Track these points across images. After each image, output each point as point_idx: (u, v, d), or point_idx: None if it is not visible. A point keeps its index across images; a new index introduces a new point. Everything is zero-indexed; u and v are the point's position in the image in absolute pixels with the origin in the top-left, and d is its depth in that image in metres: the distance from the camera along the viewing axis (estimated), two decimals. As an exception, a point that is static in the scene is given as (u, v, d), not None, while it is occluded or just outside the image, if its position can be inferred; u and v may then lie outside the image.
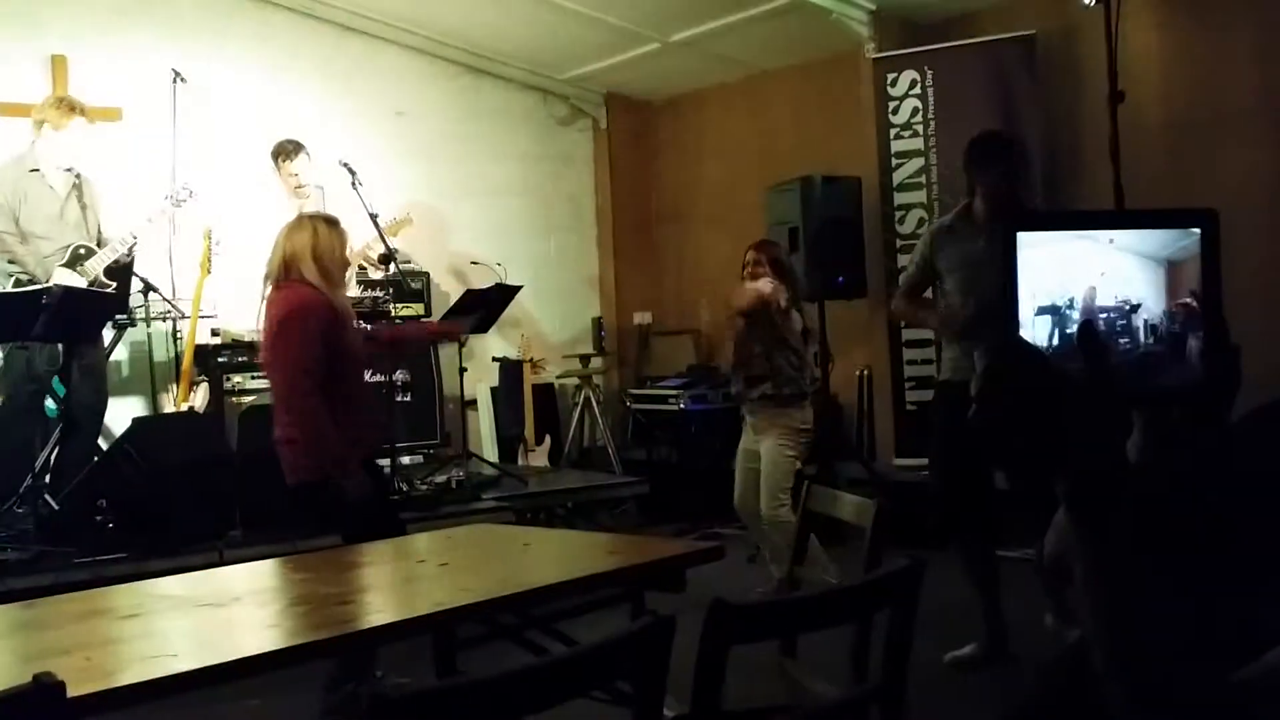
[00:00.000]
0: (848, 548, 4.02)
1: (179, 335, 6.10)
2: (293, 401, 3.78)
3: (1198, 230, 0.94)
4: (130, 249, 5.64)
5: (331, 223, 4.04)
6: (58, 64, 6.43)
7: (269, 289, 3.96)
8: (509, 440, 7.66)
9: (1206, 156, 5.79)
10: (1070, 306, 0.94)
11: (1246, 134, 5.70)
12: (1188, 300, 0.95)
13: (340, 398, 3.81)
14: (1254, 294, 5.36)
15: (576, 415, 7.99)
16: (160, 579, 3.01)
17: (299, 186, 6.23)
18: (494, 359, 7.74)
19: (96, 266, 5.50)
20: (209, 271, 6.03)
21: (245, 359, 6.40)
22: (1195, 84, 5.91)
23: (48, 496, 4.97)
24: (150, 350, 6.21)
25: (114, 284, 5.55)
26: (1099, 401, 0.91)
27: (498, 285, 6.43)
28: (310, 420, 3.74)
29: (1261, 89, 5.65)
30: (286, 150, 6.28)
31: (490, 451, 7.63)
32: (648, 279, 8.87)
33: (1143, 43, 5.85)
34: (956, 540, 4.39)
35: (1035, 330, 0.94)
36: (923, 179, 6.67)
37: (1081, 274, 0.94)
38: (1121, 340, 0.94)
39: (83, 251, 5.50)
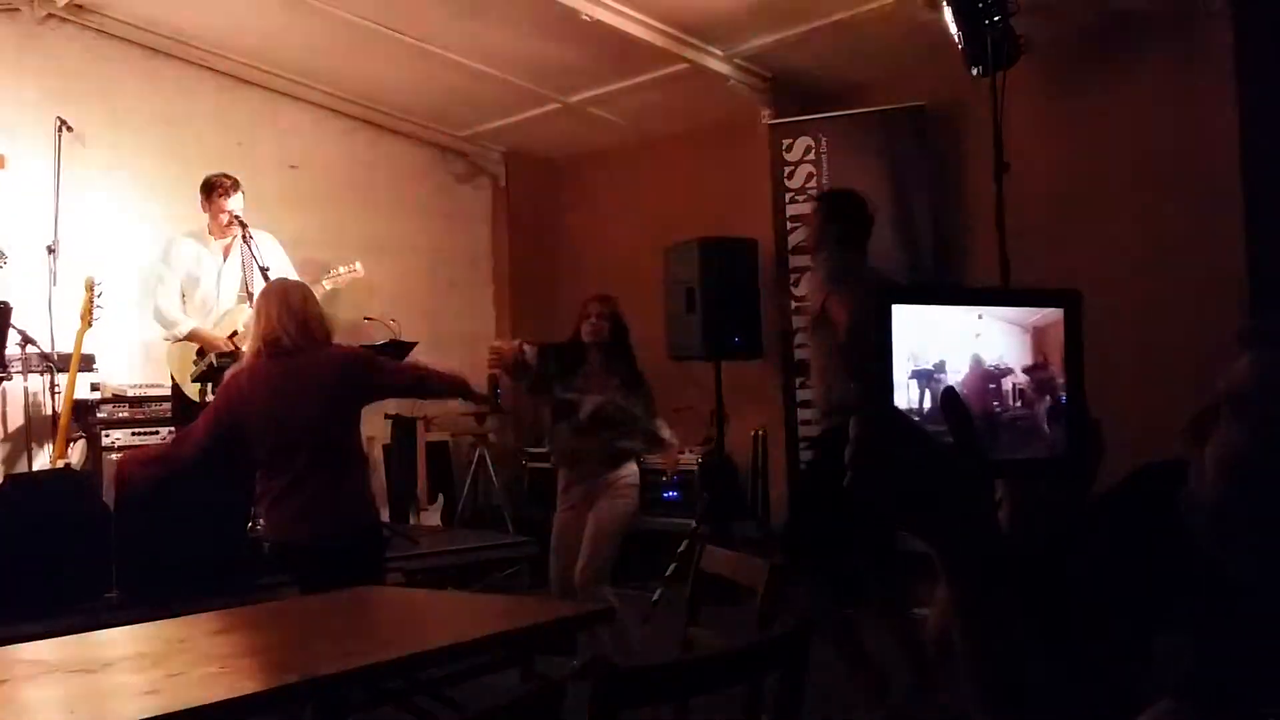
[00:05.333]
0: (741, 608, 4.03)
1: (56, 389, 5.90)
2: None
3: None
4: None
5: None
6: (-63, 109, 6.25)
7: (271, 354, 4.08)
8: (401, 499, 7.54)
9: (1088, 227, 5.99)
10: (941, 370, 0.96)
11: (1125, 207, 5.92)
12: (1043, 364, 0.98)
13: None
14: (1128, 363, 5.54)
15: (470, 474, 7.90)
16: (31, 643, 2.88)
17: (229, 224, 6.01)
18: (386, 416, 7.63)
19: None
20: (90, 324, 5.85)
21: (126, 414, 6.22)
22: (1077, 157, 6.13)
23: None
24: (26, 404, 5.99)
25: None
26: (968, 470, 0.93)
27: (392, 342, 6.36)
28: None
29: (1139, 163, 5.88)
30: (224, 185, 6.06)
31: (381, 511, 7.49)
32: (545, 337, 8.83)
33: (1027, 116, 6.05)
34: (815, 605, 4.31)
35: (908, 394, 0.96)
36: (816, 243, 6.79)
37: (953, 339, 0.97)
38: (994, 404, 0.97)
39: None
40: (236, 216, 5.93)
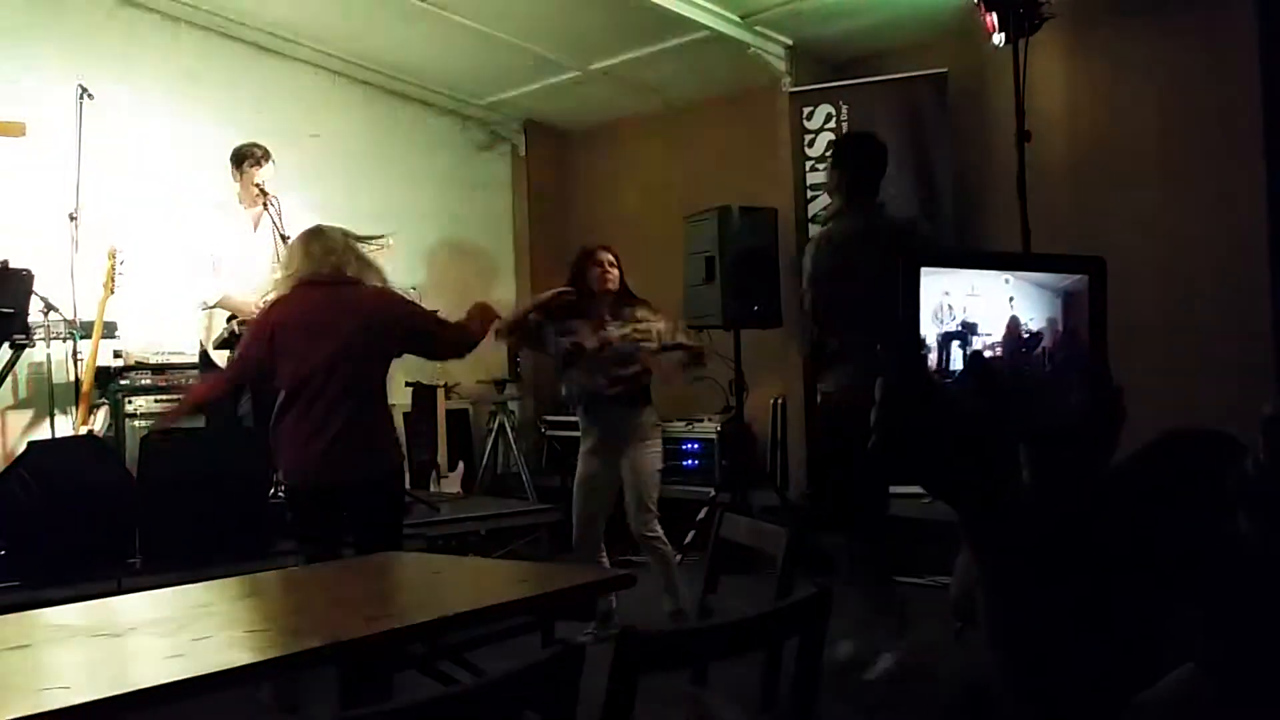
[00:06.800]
0: (759, 576, 4.04)
1: (79, 356, 5.93)
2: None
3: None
4: None
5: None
6: (-41, 76, 6.26)
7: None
8: (421, 466, 7.57)
9: (1110, 196, 5.95)
10: (973, 333, 0.96)
11: (1147, 175, 5.87)
12: (1074, 331, 0.98)
13: None
14: (1150, 329, 5.51)
15: (490, 442, 7.93)
16: (54, 608, 2.91)
17: (260, 195, 6.00)
18: (407, 384, 7.65)
19: None
20: (112, 291, 5.88)
21: (148, 381, 6.25)
22: (1100, 125, 6.08)
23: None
24: (49, 372, 6.03)
25: None
26: (993, 435, 0.93)
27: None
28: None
29: (1162, 132, 5.82)
30: (255, 155, 6.05)
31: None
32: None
33: (1050, 84, 6.00)
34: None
35: (939, 356, 0.96)
36: (837, 211, 6.75)
37: (987, 303, 0.97)
38: (1024, 368, 0.97)
39: None
40: (261, 187, 5.92)
